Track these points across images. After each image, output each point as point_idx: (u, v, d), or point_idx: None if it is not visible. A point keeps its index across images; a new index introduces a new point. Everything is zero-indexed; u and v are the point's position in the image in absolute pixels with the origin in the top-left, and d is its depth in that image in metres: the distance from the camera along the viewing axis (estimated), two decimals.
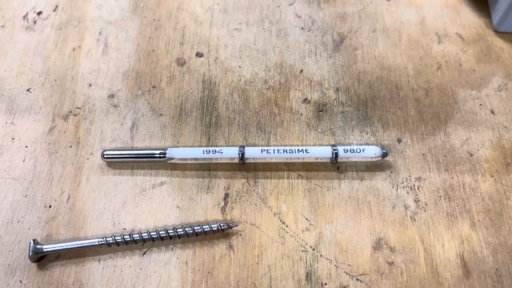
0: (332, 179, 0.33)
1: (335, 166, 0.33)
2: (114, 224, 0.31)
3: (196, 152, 0.32)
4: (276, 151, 0.32)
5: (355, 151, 0.32)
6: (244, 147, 0.32)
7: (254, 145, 0.34)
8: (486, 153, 0.34)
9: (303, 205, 0.32)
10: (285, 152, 0.32)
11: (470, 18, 0.41)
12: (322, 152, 0.32)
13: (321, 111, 0.36)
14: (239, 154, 0.32)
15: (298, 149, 0.32)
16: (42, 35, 0.39)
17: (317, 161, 0.33)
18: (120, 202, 0.32)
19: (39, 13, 0.40)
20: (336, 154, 0.32)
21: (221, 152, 0.32)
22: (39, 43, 0.39)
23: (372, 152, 0.32)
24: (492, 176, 0.33)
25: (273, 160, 0.33)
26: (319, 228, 0.31)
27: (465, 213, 0.32)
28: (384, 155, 0.32)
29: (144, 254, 0.30)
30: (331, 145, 0.33)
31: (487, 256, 0.30)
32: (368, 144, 0.34)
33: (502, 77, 0.37)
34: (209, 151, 0.32)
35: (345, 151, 0.32)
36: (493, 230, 0.31)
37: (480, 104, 0.36)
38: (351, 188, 0.33)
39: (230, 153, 0.32)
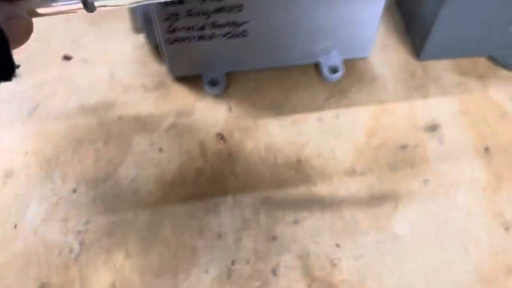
0: None
1: None
2: None
3: None
4: None
5: None
6: None
7: None
8: (148, 187, 0.40)
9: None
10: None
11: (155, 69, 0.47)
12: None
13: None
14: None
15: None
16: None
17: None
18: None
19: None
20: None
21: None
22: None
23: None
24: (150, 206, 0.39)
25: None
26: None
27: (123, 245, 0.37)
28: None
29: None
30: None
31: (135, 279, 0.35)
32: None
33: (173, 117, 0.44)
34: None
35: None
36: (144, 255, 0.36)
37: (152, 144, 0.42)
38: None
39: None
